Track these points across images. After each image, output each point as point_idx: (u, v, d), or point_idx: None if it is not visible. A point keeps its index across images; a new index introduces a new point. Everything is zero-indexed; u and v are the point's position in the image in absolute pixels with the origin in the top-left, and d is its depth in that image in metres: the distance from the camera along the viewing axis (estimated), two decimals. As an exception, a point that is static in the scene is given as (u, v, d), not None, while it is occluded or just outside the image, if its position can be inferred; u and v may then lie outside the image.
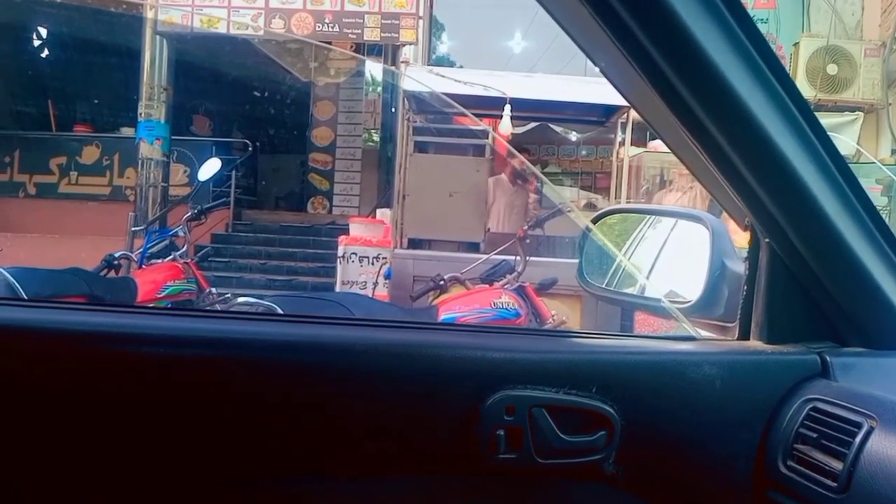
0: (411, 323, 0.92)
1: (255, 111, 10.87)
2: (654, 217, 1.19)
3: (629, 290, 1.17)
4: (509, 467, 0.82)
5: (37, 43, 11.11)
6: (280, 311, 2.67)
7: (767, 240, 0.87)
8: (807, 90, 6.42)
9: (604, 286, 1.16)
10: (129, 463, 0.79)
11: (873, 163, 5.38)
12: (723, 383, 0.85)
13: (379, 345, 0.85)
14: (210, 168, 4.55)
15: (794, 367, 0.86)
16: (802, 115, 0.77)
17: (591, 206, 6.78)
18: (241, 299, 3.04)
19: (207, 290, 4.00)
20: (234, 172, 8.77)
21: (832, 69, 6.50)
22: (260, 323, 0.95)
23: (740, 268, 0.93)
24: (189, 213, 4.23)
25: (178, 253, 4.05)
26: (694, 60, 0.71)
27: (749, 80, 0.73)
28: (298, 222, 9.45)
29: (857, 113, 6.62)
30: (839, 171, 0.80)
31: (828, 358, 0.85)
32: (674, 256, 1.11)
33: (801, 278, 0.86)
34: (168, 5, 7.90)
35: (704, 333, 0.98)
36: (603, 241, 1.13)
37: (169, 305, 3.83)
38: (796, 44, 6.75)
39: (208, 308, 3.83)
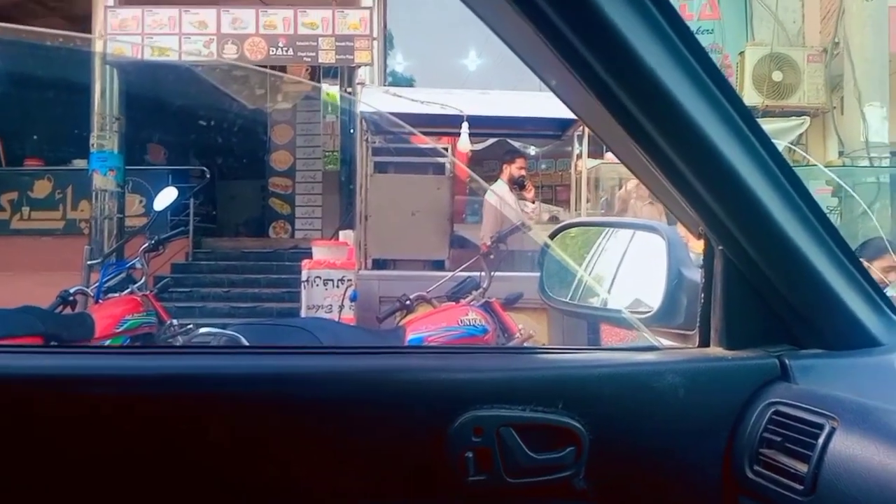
0: (376, 348, 0.92)
1: (211, 138, 10.74)
2: (611, 229, 1.20)
3: (591, 303, 1.18)
4: (480, 489, 0.81)
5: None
6: (244, 340, 2.62)
7: (721, 247, 0.88)
8: (754, 97, 6.61)
9: (566, 300, 1.16)
10: None
11: (816, 165, 5.56)
12: (686, 391, 0.86)
13: (344, 372, 0.84)
14: (166, 197, 4.47)
15: (755, 372, 0.87)
16: (745, 123, 0.79)
17: (554, 219, 6.85)
18: (203, 330, 2.98)
19: (168, 322, 3.92)
20: (191, 200, 8.63)
21: (777, 76, 6.72)
22: (222, 356, 0.93)
23: (697, 276, 0.94)
24: (146, 244, 4.15)
25: (136, 285, 3.97)
26: (637, 75, 0.72)
27: (692, 91, 0.75)
28: (260, 248, 9.33)
29: (803, 117, 6.84)
30: (785, 175, 0.82)
31: (787, 361, 0.87)
32: (632, 267, 1.13)
33: (756, 284, 0.88)
34: (117, 34, 7.78)
35: (666, 342, 0.99)
36: (561, 256, 1.13)
37: (128, 340, 3.74)
38: (742, 52, 6.96)
39: (169, 340, 3.75)
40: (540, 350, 0.98)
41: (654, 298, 0.98)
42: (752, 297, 0.89)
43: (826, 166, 5.82)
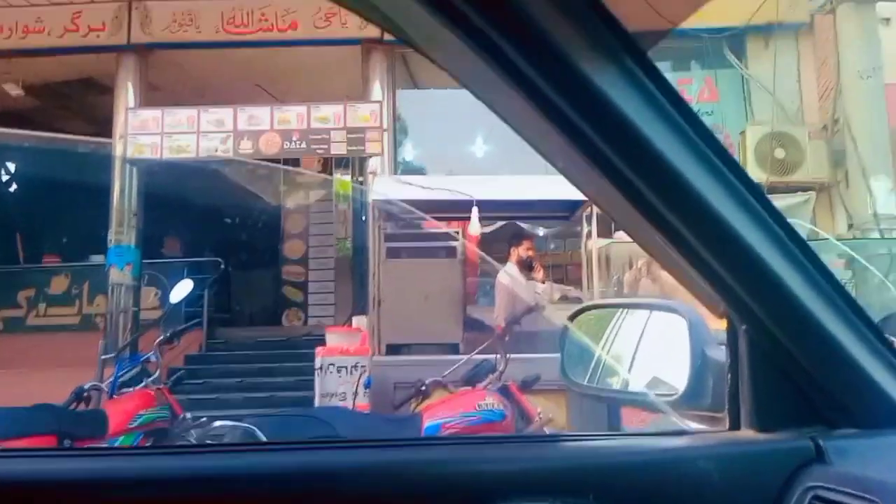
0: (398, 441, 0.90)
1: (226, 229, 10.96)
2: (630, 310, 1.20)
3: (614, 386, 1.16)
4: None
5: (4, 178, 11.22)
6: (260, 433, 2.58)
7: (744, 327, 0.88)
8: (758, 174, 6.70)
9: (589, 383, 1.15)
10: None
11: (828, 239, 5.57)
12: (720, 477, 0.83)
13: (368, 467, 0.82)
14: (182, 290, 4.52)
15: (789, 455, 0.84)
16: (758, 201, 0.80)
17: (565, 299, 6.82)
18: (217, 423, 2.94)
19: (181, 416, 3.87)
20: (206, 291, 8.69)
21: (780, 153, 6.83)
22: (239, 454, 0.92)
23: (722, 356, 0.93)
24: (161, 337, 4.16)
25: (151, 379, 3.95)
26: (649, 159, 0.74)
27: (703, 171, 0.76)
28: (274, 336, 9.31)
29: (809, 192, 6.91)
30: (802, 252, 0.82)
31: (821, 442, 0.84)
32: (654, 348, 1.11)
33: (783, 363, 0.86)
34: (138, 133, 8.09)
35: (694, 425, 0.97)
36: (582, 339, 1.13)
37: (141, 436, 3.69)
38: (742, 132, 7.12)
39: (183, 435, 3.69)
40: (567, 438, 0.96)
41: (678, 380, 0.97)
42: (780, 376, 0.88)
43: (837, 240, 5.83)
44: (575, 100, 0.71)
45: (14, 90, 9.07)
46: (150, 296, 8.97)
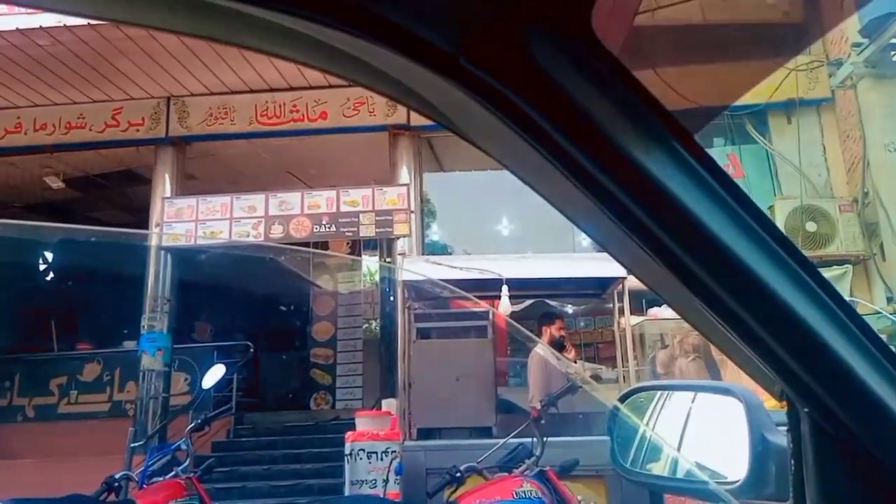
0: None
1: (255, 313, 11.04)
2: (680, 392, 1.16)
3: (667, 472, 1.11)
4: None
5: (41, 268, 11.55)
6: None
7: (806, 409, 0.84)
8: (790, 248, 6.61)
9: (641, 470, 1.10)
10: None
11: (879, 313, 5.42)
12: None
13: None
14: (214, 375, 4.52)
15: None
16: (811, 277, 0.78)
17: (597, 378, 6.68)
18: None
19: (215, 507, 3.79)
20: (234, 376, 8.67)
21: (811, 226, 6.77)
22: None
23: (783, 440, 0.89)
24: (192, 425, 4.14)
25: (181, 468, 3.90)
26: (701, 238, 0.73)
27: (755, 248, 0.75)
28: (302, 421, 9.19)
29: (845, 266, 6.79)
30: (858, 327, 0.79)
31: None
32: (707, 433, 1.07)
33: (851, 449, 0.82)
34: (173, 221, 8.32)
35: (758, 516, 0.91)
36: (634, 421, 1.09)
37: (171, 527, 3.62)
38: (771, 206, 7.09)
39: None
40: None
41: (735, 466, 0.92)
42: (848, 462, 0.83)
43: (890, 314, 5.68)
44: (620, 180, 0.71)
45: (55, 183, 9.46)
46: (180, 381, 8.98)
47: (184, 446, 3.99)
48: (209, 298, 10.42)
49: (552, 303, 8.64)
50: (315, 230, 7.84)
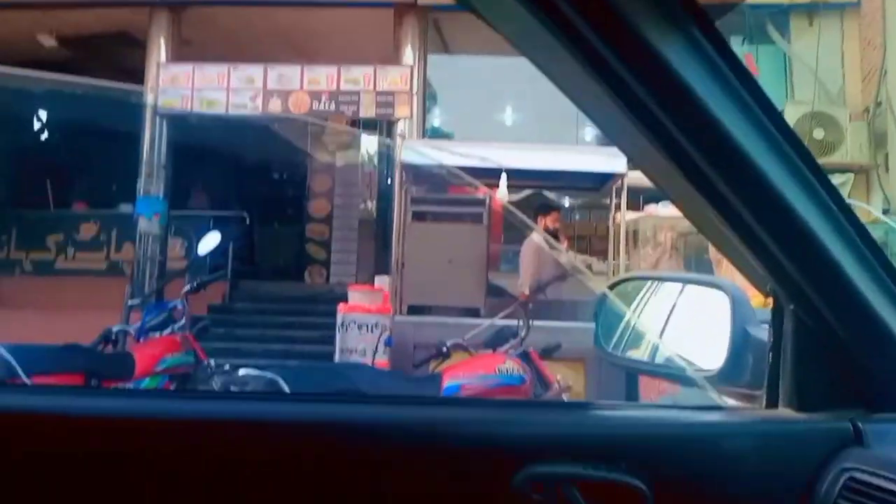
0: (431, 399, 0.91)
1: (252, 185, 11.01)
2: (667, 283, 1.19)
3: (648, 358, 1.16)
4: None
5: (37, 126, 11.34)
6: (283, 382, 2.63)
7: (792, 306, 0.87)
8: (796, 154, 6.54)
9: (622, 354, 1.15)
10: None
11: (882, 222, 5.45)
12: (755, 454, 0.83)
13: (389, 423, 0.82)
14: (210, 242, 4.57)
15: (827, 436, 0.84)
16: (816, 178, 0.78)
17: (588, 269, 6.80)
18: (242, 371, 2.99)
19: (206, 362, 3.95)
20: (230, 245, 8.78)
21: (819, 133, 6.67)
22: (264, 402, 0.93)
23: (763, 334, 0.92)
24: (188, 287, 4.23)
25: (177, 326, 4.02)
26: (704, 125, 0.72)
27: (763, 145, 0.74)
28: (296, 292, 9.39)
29: (847, 174, 6.75)
30: (857, 232, 0.80)
31: (860, 425, 0.84)
32: (691, 323, 1.11)
33: (828, 344, 0.85)
34: (169, 88, 8.11)
35: (729, 402, 0.96)
36: (620, 308, 1.12)
37: (167, 378, 3.78)
38: (782, 110, 6.95)
39: (207, 380, 3.77)
40: (602, 406, 0.96)
41: (715, 356, 0.96)
42: (824, 357, 0.87)
43: (870, 223, 5.71)
44: (635, 66, 0.69)
45: (48, 41, 9.10)
46: (176, 246, 9.08)
47: (180, 306, 4.10)
48: (206, 168, 10.34)
49: (550, 194, 8.65)
50: (314, 107, 7.67)
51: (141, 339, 3.99)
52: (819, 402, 0.87)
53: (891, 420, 0.85)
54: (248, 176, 10.84)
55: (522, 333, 3.73)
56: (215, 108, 8.00)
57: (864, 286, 0.80)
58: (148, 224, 8.26)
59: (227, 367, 3.81)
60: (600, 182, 6.45)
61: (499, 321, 4.03)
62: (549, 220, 5.92)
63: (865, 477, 0.77)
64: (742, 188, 0.76)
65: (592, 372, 4.56)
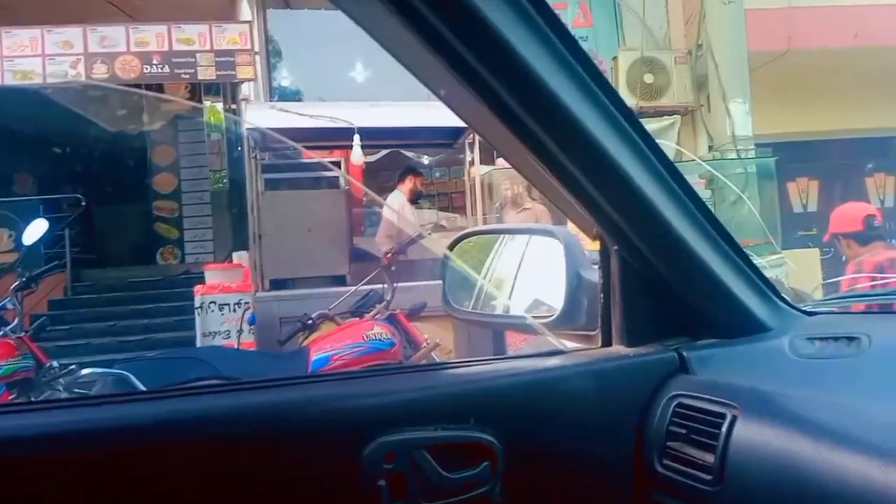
0: (277, 381, 0.86)
1: (85, 164, 10.08)
2: (509, 236, 1.21)
3: (495, 311, 1.17)
4: None
5: None
6: (133, 378, 2.46)
7: (615, 247, 0.90)
8: (628, 99, 6.94)
9: (470, 309, 1.16)
10: None
11: (693, 160, 5.92)
12: (593, 392, 0.87)
13: (245, 409, 0.79)
14: (36, 230, 4.15)
15: (655, 367, 0.89)
16: (630, 125, 0.81)
17: (441, 228, 6.91)
18: (85, 371, 2.76)
19: (48, 365, 3.61)
20: (66, 231, 8.05)
21: (649, 78, 7.11)
22: (110, 406, 0.85)
23: (596, 277, 0.95)
24: (17, 282, 3.83)
25: (9, 328, 3.64)
26: (525, 81, 0.72)
27: (578, 95, 0.76)
28: (148, 276, 8.84)
29: (675, 116, 7.27)
30: (669, 173, 0.84)
31: (684, 353, 0.89)
32: (532, 272, 1.13)
33: (651, 280, 0.90)
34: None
35: (571, 345, 1.00)
36: (462, 266, 1.12)
37: (3, 388, 3.43)
38: (615, 58, 7.31)
39: (52, 384, 3.46)
40: (447, 365, 0.96)
41: (555, 302, 0.99)
42: (649, 293, 0.91)
43: (702, 160, 6.21)
44: (454, 24, 0.68)
45: None
46: (2, 238, 8.20)
47: (10, 305, 3.71)
48: (29, 149, 9.34)
49: (407, 153, 8.64)
50: (146, 71, 7.07)
51: (-34, 347, 3.57)
52: (648, 337, 0.93)
53: (711, 346, 0.92)
54: (80, 154, 9.91)
55: (388, 297, 3.73)
56: (31, 79, 7.16)
57: (677, 224, 0.84)
58: (-36, 216, 7.37)
59: (72, 366, 3.51)
60: (453, 136, 6.51)
61: (364, 287, 4.00)
62: (420, 182, 6.01)
63: (691, 401, 0.83)
64: (559, 136, 0.77)
65: (460, 328, 4.67)
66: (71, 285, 8.23)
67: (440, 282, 1.22)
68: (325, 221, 5.64)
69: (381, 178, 7.54)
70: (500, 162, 6.22)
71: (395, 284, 3.82)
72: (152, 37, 7.05)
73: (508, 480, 0.81)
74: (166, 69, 7.08)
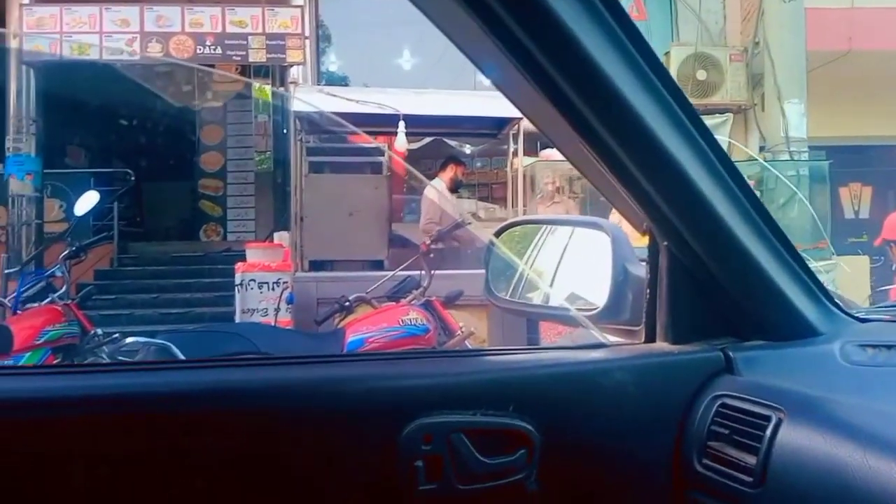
0: (318, 357, 0.88)
1: (136, 139, 10.32)
2: (555, 226, 1.20)
3: (537, 301, 1.17)
4: (431, 499, 0.78)
5: None
6: (175, 348, 2.52)
7: (666, 243, 0.89)
8: (679, 96, 6.81)
9: (511, 298, 1.15)
10: None
11: (755, 160, 5.79)
12: (634, 388, 0.86)
13: (285, 384, 0.80)
14: (87, 202, 4.27)
15: (700, 365, 0.87)
16: (689, 119, 0.79)
17: (478, 218, 6.90)
18: (129, 339, 2.84)
19: (92, 332, 3.73)
20: (115, 204, 8.27)
21: (701, 74, 6.96)
22: (153, 372, 0.87)
23: (642, 272, 0.94)
24: (67, 251, 3.96)
25: (57, 294, 3.77)
26: (584, 70, 0.71)
27: (639, 88, 0.75)
28: (191, 252, 9.02)
29: (727, 114, 7.11)
30: (727, 171, 0.83)
31: (730, 353, 0.88)
32: (576, 264, 1.12)
33: (700, 278, 0.88)
34: (34, 32, 7.37)
35: (613, 339, 0.99)
36: (507, 254, 1.12)
37: (49, 352, 3.56)
38: (667, 52, 7.18)
39: (95, 350, 3.57)
40: (488, 352, 0.96)
41: (599, 295, 0.98)
42: (697, 291, 0.90)
43: (764, 161, 6.09)
44: (516, 11, 0.68)
45: None
46: (54, 208, 8.46)
47: (59, 273, 3.83)
48: (83, 122, 9.58)
49: (451, 142, 8.64)
50: (199, 51, 7.19)
51: (17, 311, 3.71)
52: (693, 335, 0.91)
53: (758, 348, 0.90)
54: (132, 130, 10.15)
55: (425, 283, 3.74)
56: (88, 53, 7.34)
57: (732, 222, 0.82)
58: (20, 185, 7.61)
59: (116, 335, 3.61)
60: (498, 127, 6.48)
61: (402, 273, 4.02)
62: (461, 171, 5.98)
63: (735, 402, 0.81)
64: (617, 128, 0.76)
65: (495, 318, 4.66)
66: (117, 257, 8.45)
67: (478, 270, 1.22)
68: (367, 206, 5.69)
69: (423, 165, 7.56)
70: (545, 154, 6.17)
71: (432, 272, 3.83)
72: (206, 18, 7.17)
73: (544, 470, 0.81)
74: (218, 50, 7.19)
